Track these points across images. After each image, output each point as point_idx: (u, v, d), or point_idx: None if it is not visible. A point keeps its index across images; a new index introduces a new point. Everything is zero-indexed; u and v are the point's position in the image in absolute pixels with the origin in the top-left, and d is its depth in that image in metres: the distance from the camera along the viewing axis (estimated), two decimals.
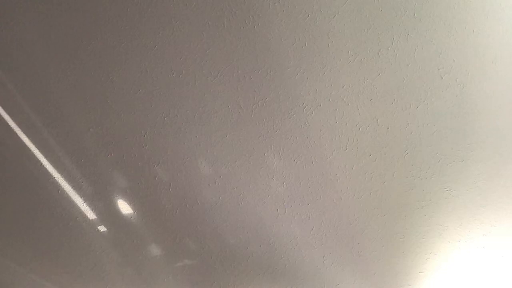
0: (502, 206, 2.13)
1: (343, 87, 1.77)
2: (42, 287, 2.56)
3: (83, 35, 1.65)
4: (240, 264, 2.44)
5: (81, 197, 2.13)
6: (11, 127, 1.87)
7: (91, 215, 2.20)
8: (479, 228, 2.21)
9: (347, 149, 1.94)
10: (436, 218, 2.17)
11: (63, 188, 2.09)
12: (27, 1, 1.57)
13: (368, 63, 1.70)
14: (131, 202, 2.15)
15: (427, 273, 2.42)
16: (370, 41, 1.65)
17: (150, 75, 1.75)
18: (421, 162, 1.98)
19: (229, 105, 1.83)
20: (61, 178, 2.05)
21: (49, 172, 2.03)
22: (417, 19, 1.59)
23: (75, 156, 1.98)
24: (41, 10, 1.59)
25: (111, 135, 1.92)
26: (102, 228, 2.26)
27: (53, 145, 1.94)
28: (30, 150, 1.95)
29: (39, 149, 1.96)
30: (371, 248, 2.33)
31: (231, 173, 2.03)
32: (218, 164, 2.00)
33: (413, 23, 1.60)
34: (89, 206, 2.17)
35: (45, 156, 1.98)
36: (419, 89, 1.77)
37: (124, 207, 2.17)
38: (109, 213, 2.20)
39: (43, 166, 2.01)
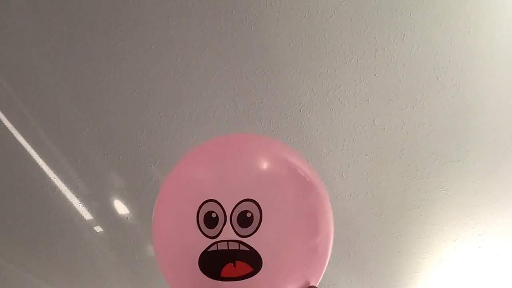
0: (498, 206, 2.14)
1: (339, 87, 1.77)
2: None
3: (80, 35, 1.65)
4: None
5: (77, 198, 2.13)
6: (7, 127, 1.87)
7: (87, 215, 2.19)
8: (475, 228, 2.21)
9: (343, 149, 1.95)
10: (432, 218, 2.18)
11: (59, 189, 2.08)
12: (23, 1, 1.56)
13: (365, 64, 1.71)
14: (127, 202, 2.15)
15: (423, 273, 2.43)
16: (367, 42, 1.65)
17: (147, 75, 1.75)
18: (417, 162, 1.99)
19: (226, 105, 1.83)
20: (58, 179, 2.05)
21: (45, 173, 2.02)
22: (414, 20, 1.60)
23: (71, 156, 1.98)
24: (37, 9, 1.58)
25: (108, 135, 1.91)
26: (98, 229, 2.26)
27: (50, 145, 1.93)
28: (26, 151, 1.94)
29: (35, 150, 1.95)
30: (367, 248, 2.33)
31: None
32: None
33: (409, 23, 1.61)
34: (86, 207, 2.16)
35: (41, 157, 1.97)
36: (415, 89, 1.77)
37: (121, 207, 2.17)
38: (105, 214, 2.20)
39: (39, 166, 2.00)
